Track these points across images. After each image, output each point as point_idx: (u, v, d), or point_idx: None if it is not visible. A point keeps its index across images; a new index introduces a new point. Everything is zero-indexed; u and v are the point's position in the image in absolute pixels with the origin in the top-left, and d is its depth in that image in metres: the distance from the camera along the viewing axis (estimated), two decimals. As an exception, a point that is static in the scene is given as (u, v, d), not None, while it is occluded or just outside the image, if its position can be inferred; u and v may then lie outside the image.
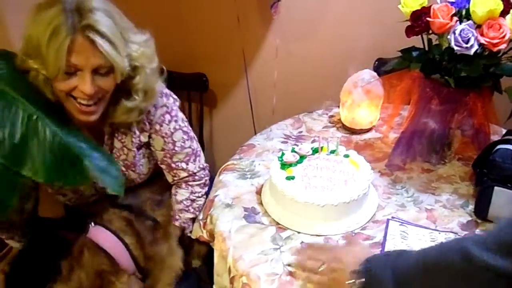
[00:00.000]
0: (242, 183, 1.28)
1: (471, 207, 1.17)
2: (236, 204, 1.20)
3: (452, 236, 1.08)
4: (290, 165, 1.20)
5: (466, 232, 1.10)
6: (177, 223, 1.33)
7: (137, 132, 1.23)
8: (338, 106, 1.55)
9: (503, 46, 1.06)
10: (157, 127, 1.24)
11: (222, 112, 1.99)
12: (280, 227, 1.12)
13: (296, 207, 1.11)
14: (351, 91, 1.45)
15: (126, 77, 1.09)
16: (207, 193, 1.36)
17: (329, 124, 1.57)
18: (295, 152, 1.24)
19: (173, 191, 1.37)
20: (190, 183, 1.34)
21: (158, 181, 1.39)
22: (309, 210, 1.09)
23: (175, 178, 1.34)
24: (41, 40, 0.97)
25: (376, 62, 1.76)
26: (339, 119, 1.56)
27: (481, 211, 1.12)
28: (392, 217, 1.15)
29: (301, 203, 1.09)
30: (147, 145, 1.28)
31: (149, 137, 1.26)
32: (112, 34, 1.01)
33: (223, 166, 1.37)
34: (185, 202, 1.34)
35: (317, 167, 1.19)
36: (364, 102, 1.44)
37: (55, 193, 1.27)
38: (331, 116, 1.61)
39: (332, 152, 1.24)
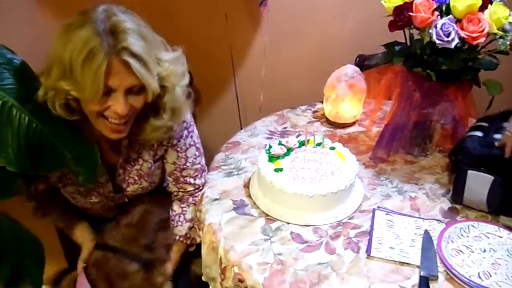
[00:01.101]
0: (229, 179, 1.29)
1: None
2: (224, 197, 1.21)
3: (435, 224, 1.11)
4: (278, 157, 1.22)
5: (448, 219, 1.13)
6: (189, 241, 1.33)
7: (155, 145, 1.24)
8: (322, 102, 1.58)
9: (482, 40, 1.09)
10: (175, 141, 1.25)
11: (207, 110, 1.99)
12: (269, 219, 1.14)
13: (285, 198, 1.12)
14: (334, 86, 1.48)
15: (156, 98, 1.09)
16: None
17: (313, 119, 1.59)
18: (282, 145, 1.26)
19: (178, 209, 1.35)
20: (195, 198, 1.34)
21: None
22: (298, 200, 1.11)
23: (180, 191, 1.35)
24: (75, 62, 0.96)
25: (357, 59, 1.80)
26: (323, 114, 1.59)
27: (457, 195, 1.16)
28: (378, 207, 1.18)
29: (290, 194, 1.11)
30: (162, 157, 1.29)
31: (165, 150, 1.27)
32: (145, 56, 1.01)
33: (209, 166, 1.37)
34: (193, 219, 1.33)
35: (304, 159, 1.21)
36: (348, 96, 1.47)
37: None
38: (315, 111, 1.63)
39: (319, 144, 1.27)
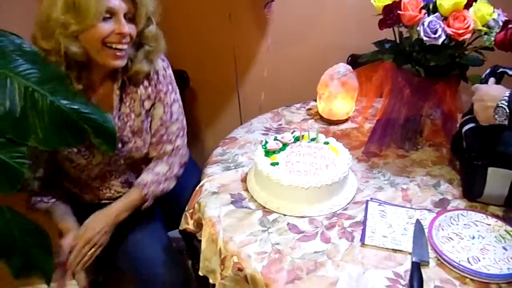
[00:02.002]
0: (227, 173, 1.33)
1: (442, 187, 1.26)
2: (222, 191, 1.25)
3: (426, 213, 1.16)
4: (274, 152, 1.26)
5: (439, 209, 1.18)
6: (144, 192, 1.34)
7: (144, 97, 1.32)
8: (315, 100, 1.63)
9: (467, 36, 1.14)
10: (162, 95, 1.34)
11: (209, 108, 2.03)
12: (266, 211, 1.18)
13: (282, 191, 1.16)
14: (327, 84, 1.53)
15: (142, 27, 1.21)
16: (178, 178, 1.43)
17: (307, 117, 1.64)
18: (278, 140, 1.30)
19: (151, 164, 1.40)
20: (172, 158, 1.40)
21: None
22: (294, 193, 1.15)
23: (160, 152, 1.39)
24: None
25: (349, 58, 1.85)
26: (317, 112, 1.63)
27: (476, 192, 1.19)
28: (371, 198, 1.22)
29: (286, 186, 1.15)
30: (150, 114, 1.36)
31: (152, 105, 1.34)
32: None
33: (207, 160, 1.42)
34: (161, 176, 1.38)
35: (299, 153, 1.25)
36: (340, 93, 1.52)
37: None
38: (309, 109, 1.68)
39: (313, 139, 1.31)
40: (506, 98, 1.01)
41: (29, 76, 0.93)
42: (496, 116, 1.03)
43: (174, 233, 1.69)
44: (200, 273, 1.20)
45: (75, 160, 1.29)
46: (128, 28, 1.15)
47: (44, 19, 1.11)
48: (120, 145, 1.32)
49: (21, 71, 0.92)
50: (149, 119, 1.35)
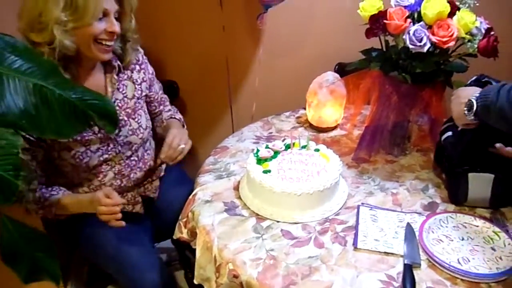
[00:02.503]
0: (220, 182, 1.35)
1: (431, 190, 1.30)
2: (216, 200, 1.27)
3: (416, 216, 1.18)
4: (266, 160, 1.28)
5: (428, 212, 1.21)
6: (178, 116, 1.61)
7: (140, 81, 1.45)
8: (304, 108, 1.65)
9: (451, 44, 1.18)
10: (152, 74, 1.53)
11: (201, 117, 2.05)
12: (259, 218, 1.20)
13: (274, 197, 1.18)
14: (316, 92, 1.56)
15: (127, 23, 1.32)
16: None
17: (297, 124, 1.66)
18: (269, 148, 1.32)
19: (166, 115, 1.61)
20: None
21: None
22: (286, 199, 1.17)
23: (166, 107, 1.61)
24: None
25: (337, 66, 1.88)
26: (306, 119, 1.66)
27: (460, 197, 1.22)
28: (362, 203, 1.24)
29: (279, 193, 1.17)
30: (145, 97, 1.50)
31: (150, 86, 1.51)
32: None
33: (200, 169, 1.43)
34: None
35: (291, 160, 1.28)
36: (329, 101, 1.54)
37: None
38: (298, 117, 1.71)
39: (304, 147, 1.33)
40: (477, 94, 1.04)
41: (33, 73, 0.95)
42: (466, 110, 1.07)
43: (166, 243, 1.70)
44: (195, 282, 1.21)
45: (74, 147, 1.30)
46: (118, 27, 1.26)
47: (35, 13, 1.16)
48: (117, 130, 1.38)
49: (24, 70, 0.94)
50: (140, 101, 1.46)
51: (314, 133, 1.60)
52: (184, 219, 1.29)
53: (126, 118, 1.40)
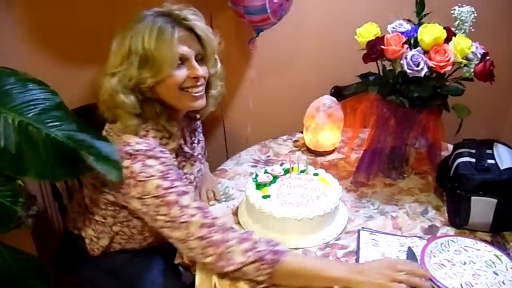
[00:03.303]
0: (218, 206, 1.34)
1: (430, 213, 1.30)
2: (215, 225, 1.25)
3: (417, 240, 1.18)
4: (265, 185, 1.27)
5: (429, 236, 1.20)
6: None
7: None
8: (301, 131, 1.66)
9: (448, 68, 1.19)
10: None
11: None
12: (260, 244, 1.18)
13: (274, 223, 1.17)
14: (314, 116, 1.56)
15: (211, 67, 1.23)
16: None
17: (294, 148, 1.66)
18: (268, 173, 1.32)
19: None
20: None
21: None
22: (287, 224, 1.16)
23: None
24: (148, 46, 1.08)
25: (333, 90, 1.90)
26: (303, 143, 1.66)
27: (462, 221, 1.22)
28: (363, 228, 1.24)
29: (279, 218, 1.16)
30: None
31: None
32: (202, 23, 1.17)
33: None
34: None
35: (290, 185, 1.27)
36: (327, 125, 1.55)
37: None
38: (295, 141, 1.71)
39: (302, 171, 1.33)
40: None
41: (26, 109, 0.93)
42: None
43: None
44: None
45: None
46: (202, 71, 1.16)
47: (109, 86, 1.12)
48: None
49: (16, 105, 0.92)
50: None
51: (311, 157, 1.60)
52: None
53: (199, 164, 1.36)
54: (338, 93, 1.81)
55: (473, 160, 1.25)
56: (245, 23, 1.60)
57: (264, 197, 1.22)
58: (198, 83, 1.17)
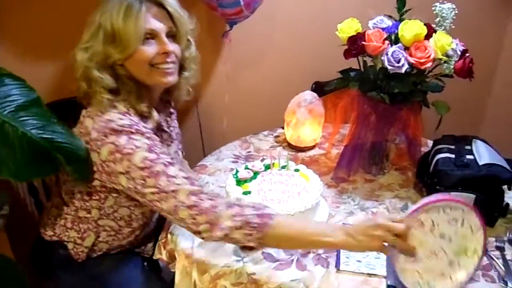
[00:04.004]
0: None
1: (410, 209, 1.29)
2: (195, 222, 1.24)
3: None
4: (245, 181, 1.26)
5: (409, 232, 1.21)
6: None
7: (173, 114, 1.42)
8: (282, 127, 1.65)
9: (429, 65, 1.20)
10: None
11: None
12: (240, 240, 1.17)
13: (255, 219, 1.16)
14: (295, 111, 1.56)
15: (183, 48, 1.21)
16: None
17: (275, 144, 1.66)
18: (249, 169, 1.31)
19: None
20: None
21: None
22: (267, 221, 1.16)
23: None
24: (115, 22, 1.09)
25: (313, 85, 1.89)
26: (284, 139, 1.65)
27: None
28: (343, 223, 1.24)
29: (260, 215, 1.15)
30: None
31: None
32: (176, 2, 1.17)
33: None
34: None
35: (271, 181, 1.26)
36: (308, 120, 1.55)
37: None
38: (276, 136, 1.70)
39: (283, 167, 1.33)
40: None
41: (1, 106, 0.90)
42: None
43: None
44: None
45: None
46: (172, 47, 1.15)
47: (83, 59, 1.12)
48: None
49: None
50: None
51: (292, 152, 1.60)
52: (163, 240, 1.26)
53: (181, 146, 1.37)
54: (319, 88, 1.81)
55: (453, 156, 1.26)
56: (218, 16, 1.58)
57: (245, 193, 1.21)
58: (169, 60, 1.16)
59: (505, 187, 1.21)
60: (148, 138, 1.08)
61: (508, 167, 1.21)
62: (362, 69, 1.33)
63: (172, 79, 1.18)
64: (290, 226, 1.03)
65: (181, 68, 1.24)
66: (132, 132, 1.07)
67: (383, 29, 1.24)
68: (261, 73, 1.98)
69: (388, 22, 1.27)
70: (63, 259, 1.25)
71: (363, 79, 1.32)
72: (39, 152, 0.92)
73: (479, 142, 1.32)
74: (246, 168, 1.32)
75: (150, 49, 1.12)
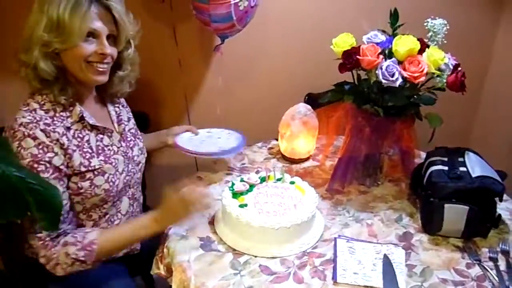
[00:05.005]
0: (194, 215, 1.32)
1: (404, 220, 1.32)
2: (191, 235, 1.24)
3: (392, 247, 1.20)
4: (241, 193, 1.27)
5: (404, 243, 1.22)
6: None
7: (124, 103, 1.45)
8: (276, 139, 1.66)
9: (422, 79, 1.22)
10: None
11: (163, 150, 2.02)
12: (236, 253, 1.18)
13: (252, 232, 1.17)
14: (289, 124, 1.57)
15: (121, 50, 1.26)
16: None
17: (269, 156, 1.67)
18: (244, 181, 1.31)
19: None
20: None
21: None
22: (264, 234, 1.16)
23: None
24: (61, 13, 1.11)
25: (306, 97, 1.91)
26: (278, 151, 1.66)
27: (435, 227, 1.24)
28: (339, 235, 1.25)
29: (256, 227, 1.15)
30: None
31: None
32: (122, 7, 1.21)
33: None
34: None
35: (267, 194, 1.27)
36: (302, 133, 1.56)
37: None
38: (270, 148, 1.71)
39: (279, 180, 1.33)
40: None
41: None
42: None
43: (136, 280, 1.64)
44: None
45: (107, 170, 1.25)
46: (110, 50, 1.20)
47: (28, 33, 1.14)
48: (132, 151, 1.36)
49: None
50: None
51: (287, 164, 1.61)
52: (160, 255, 1.26)
53: (133, 138, 1.39)
54: (312, 100, 1.82)
55: (446, 168, 1.28)
56: (209, 31, 1.60)
57: (241, 206, 1.22)
58: (105, 60, 1.21)
59: (497, 198, 1.24)
60: (39, 144, 1.12)
61: (499, 179, 1.23)
62: (356, 83, 1.35)
63: (102, 78, 1.23)
64: (113, 239, 1.20)
65: (117, 67, 1.29)
66: (25, 136, 1.11)
67: (377, 43, 1.27)
68: (252, 85, 1.99)
69: (382, 37, 1.29)
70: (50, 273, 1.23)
71: (357, 92, 1.34)
72: (8, 192, 0.88)
73: (471, 154, 1.34)
74: (242, 180, 1.32)
75: (89, 47, 1.16)
